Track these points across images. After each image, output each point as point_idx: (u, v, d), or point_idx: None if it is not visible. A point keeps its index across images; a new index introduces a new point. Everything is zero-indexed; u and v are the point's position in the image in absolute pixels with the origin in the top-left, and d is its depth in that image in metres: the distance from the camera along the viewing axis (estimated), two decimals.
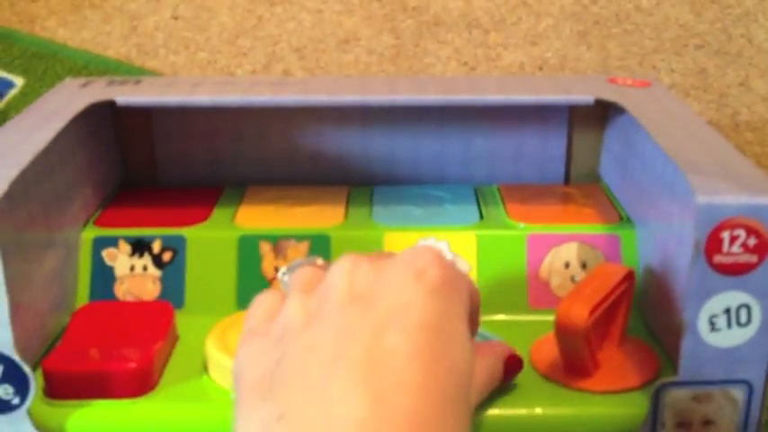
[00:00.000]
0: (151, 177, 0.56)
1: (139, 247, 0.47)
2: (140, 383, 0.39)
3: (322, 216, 0.50)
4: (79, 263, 0.47)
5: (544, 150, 0.56)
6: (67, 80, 0.54)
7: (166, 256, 0.47)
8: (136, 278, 0.47)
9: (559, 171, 0.56)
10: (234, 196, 0.53)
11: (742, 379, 0.38)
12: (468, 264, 0.47)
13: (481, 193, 0.54)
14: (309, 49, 0.75)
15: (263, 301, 0.36)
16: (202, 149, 0.56)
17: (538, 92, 0.49)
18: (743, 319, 0.37)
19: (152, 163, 0.56)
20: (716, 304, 0.37)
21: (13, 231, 0.38)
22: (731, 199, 0.36)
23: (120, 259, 0.47)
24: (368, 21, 0.76)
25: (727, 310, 0.37)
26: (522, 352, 0.43)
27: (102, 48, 0.74)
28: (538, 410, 0.39)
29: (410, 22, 0.76)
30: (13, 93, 0.70)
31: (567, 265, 0.47)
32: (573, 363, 0.41)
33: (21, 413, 0.38)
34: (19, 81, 0.71)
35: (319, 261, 0.39)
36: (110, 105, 0.49)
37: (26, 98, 0.69)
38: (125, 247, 0.47)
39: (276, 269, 0.47)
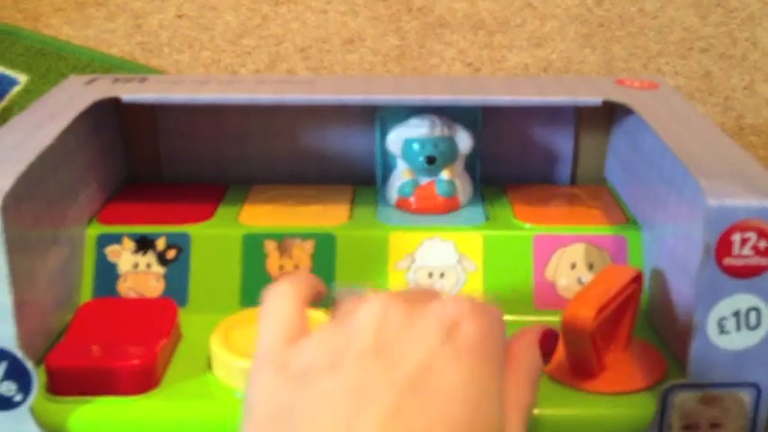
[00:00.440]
0: (155, 175, 0.56)
1: (143, 244, 0.47)
2: (143, 381, 0.39)
3: (327, 215, 0.50)
4: (83, 260, 0.47)
5: (551, 151, 0.55)
6: (72, 77, 0.54)
7: (170, 254, 0.47)
8: (139, 275, 0.47)
9: (566, 172, 0.56)
10: (238, 194, 0.53)
11: (750, 382, 0.38)
12: (474, 264, 0.47)
13: (487, 194, 0.53)
14: (314, 50, 0.75)
15: (282, 318, 0.33)
16: (207, 148, 0.55)
17: (545, 92, 0.49)
18: (752, 321, 0.37)
19: (156, 160, 0.56)
20: (725, 307, 0.37)
21: (17, 228, 0.38)
22: (742, 201, 0.35)
23: (124, 256, 0.47)
24: (373, 21, 0.75)
25: (737, 313, 0.37)
26: None
27: (107, 46, 0.74)
28: (544, 411, 0.39)
29: (415, 23, 0.76)
30: (16, 90, 0.70)
31: (573, 266, 0.47)
32: (579, 364, 0.40)
33: (23, 410, 0.37)
34: (22, 78, 0.70)
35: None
36: (114, 103, 0.48)
37: (29, 95, 0.69)
38: (129, 245, 0.47)
39: (281, 268, 0.47)
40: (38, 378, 0.37)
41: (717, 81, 0.75)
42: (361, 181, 0.55)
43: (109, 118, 0.53)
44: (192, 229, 0.48)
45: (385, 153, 0.53)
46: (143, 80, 0.52)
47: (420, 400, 0.27)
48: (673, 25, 0.77)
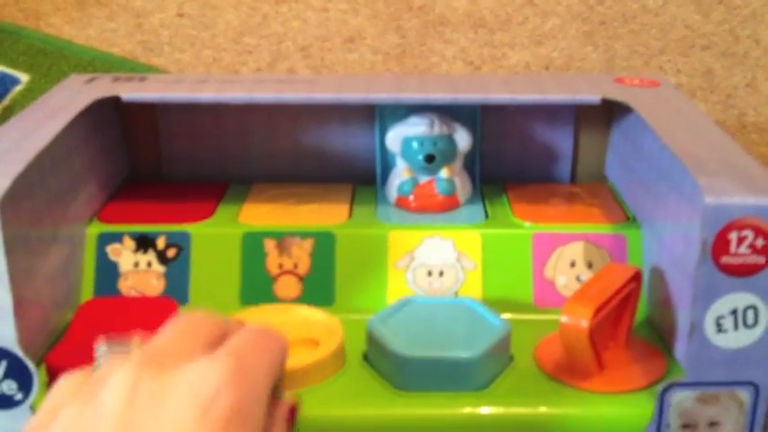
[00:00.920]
0: (156, 174, 0.56)
1: (144, 242, 0.47)
2: None
3: (326, 214, 0.50)
4: (84, 258, 0.47)
5: (550, 149, 0.55)
6: (72, 76, 0.54)
7: (171, 253, 0.47)
8: (140, 274, 0.47)
9: (566, 170, 0.56)
10: (238, 193, 0.53)
11: (748, 380, 0.38)
12: (473, 262, 0.47)
13: (487, 192, 0.53)
14: (315, 48, 0.75)
15: (51, 394, 0.30)
16: (207, 146, 0.56)
17: (544, 91, 0.49)
18: (750, 320, 0.37)
19: (156, 159, 0.56)
20: (723, 305, 0.37)
21: (17, 226, 0.38)
22: (739, 200, 0.35)
23: (125, 255, 0.47)
24: (373, 20, 0.76)
25: (734, 312, 0.37)
26: (526, 351, 0.43)
27: (108, 45, 0.74)
28: (542, 410, 0.39)
29: (415, 22, 0.76)
30: (18, 89, 0.70)
31: (572, 265, 0.47)
32: (578, 363, 0.40)
33: (24, 409, 0.38)
34: (24, 77, 0.71)
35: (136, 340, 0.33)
36: (115, 102, 0.49)
37: (31, 94, 0.69)
38: (129, 243, 0.47)
39: (281, 266, 0.47)
40: (38, 377, 0.37)
41: (719, 79, 0.75)
42: (361, 179, 0.55)
43: (109, 117, 0.53)
44: (192, 228, 0.48)
45: (385, 151, 0.53)
46: (143, 79, 0.52)
47: None
48: (674, 23, 0.77)
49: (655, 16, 0.77)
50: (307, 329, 0.43)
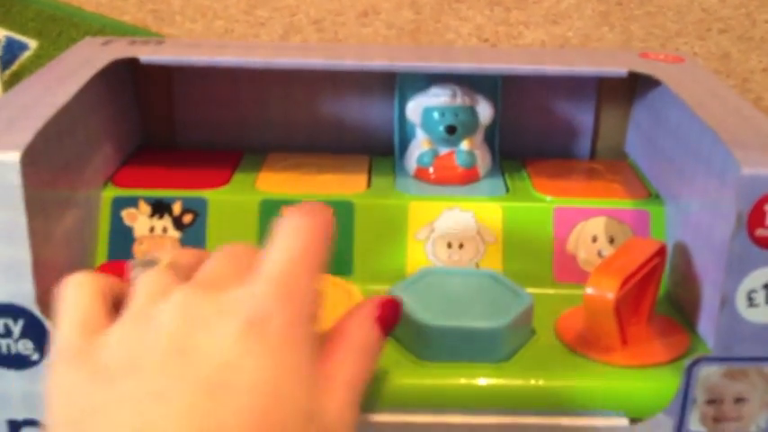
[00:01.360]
0: (170, 139, 0.55)
1: (159, 208, 0.46)
2: None
3: (345, 184, 0.49)
4: (98, 222, 0.46)
5: (571, 124, 0.55)
6: (87, 39, 0.53)
7: (187, 219, 0.46)
8: (155, 239, 0.46)
9: (586, 146, 0.55)
10: (254, 161, 0.52)
11: None
12: (493, 235, 0.46)
13: (506, 166, 0.53)
14: (328, 22, 0.74)
15: (81, 309, 0.31)
16: (223, 113, 0.55)
17: (568, 63, 0.48)
18: None
19: (171, 125, 0.55)
20: (755, 279, 0.36)
21: (35, 186, 0.37)
22: None
23: (140, 220, 0.46)
24: None
25: (767, 286, 0.36)
26: (548, 325, 0.42)
27: (119, 12, 0.73)
28: (566, 382, 0.38)
29: None
30: (26, 55, 0.69)
31: (594, 240, 0.47)
32: (601, 336, 0.40)
33: (39, 369, 0.37)
34: (33, 43, 0.69)
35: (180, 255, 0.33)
36: (131, 65, 0.48)
37: (40, 60, 0.68)
38: (145, 208, 0.46)
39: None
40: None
41: (735, 63, 0.74)
42: (379, 151, 0.54)
43: (125, 80, 0.52)
44: (208, 194, 0.47)
45: (404, 122, 0.52)
46: (159, 43, 0.51)
47: (217, 400, 0.26)
48: (692, 5, 0.76)
49: None
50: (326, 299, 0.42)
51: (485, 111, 0.50)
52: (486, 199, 0.48)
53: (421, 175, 0.51)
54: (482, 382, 0.38)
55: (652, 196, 0.48)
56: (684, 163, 0.44)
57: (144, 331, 0.28)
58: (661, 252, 0.42)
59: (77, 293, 0.31)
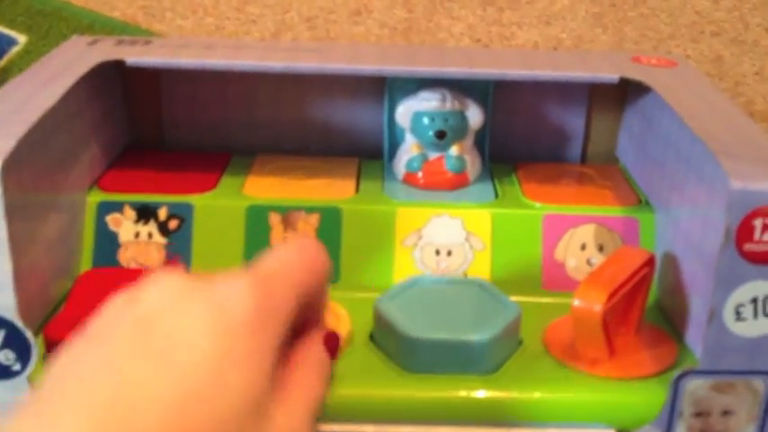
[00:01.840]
0: (157, 141, 0.55)
1: (145, 213, 0.46)
2: None
3: (332, 188, 0.49)
4: (83, 227, 0.45)
5: (562, 129, 0.54)
6: (75, 38, 0.52)
7: (172, 224, 0.46)
8: (141, 245, 0.46)
9: (576, 150, 0.55)
10: (242, 164, 0.52)
11: (765, 370, 0.37)
12: (482, 242, 0.46)
13: (496, 171, 0.52)
14: (320, 20, 0.73)
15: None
16: (211, 115, 0.54)
17: (560, 68, 0.48)
18: None
19: (158, 126, 0.54)
20: (743, 293, 0.36)
21: (17, 192, 0.36)
22: (766, 186, 0.34)
23: (125, 225, 0.46)
24: None
25: (754, 300, 0.36)
26: (535, 335, 0.42)
27: (108, 8, 0.72)
28: (552, 395, 0.38)
29: None
30: (15, 50, 0.68)
31: (583, 247, 0.46)
32: (589, 348, 0.40)
33: (21, 379, 0.36)
34: (22, 38, 0.69)
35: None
36: (118, 65, 0.47)
37: (29, 56, 0.67)
38: (130, 213, 0.46)
39: (285, 241, 0.46)
40: (37, 347, 0.36)
41: (728, 66, 0.74)
42: (367, 154, 0.54)
43: (112, 81, 0.52)
44: (195, 200, 0.46)
45: (393, 126, 0.52)
46: (147, 43, 0.50)
47: (159, 371, 0.26)
48: (684, 8, 0.76)
49: (665, 1, 0.76)
50: None
51: (475, 115, 0.50)
52: (474, 206, 0.47)
53: (410, 179, 0.50)
54: (469, 394, 0.38)
55: (642, 203, 0.48)
56: (675, 170, 0.44)
57: (126, 309, 0.29)
58: (650, 262, 0.42)
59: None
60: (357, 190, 0.49)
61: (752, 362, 0.37)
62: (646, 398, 0.38)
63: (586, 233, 0.46)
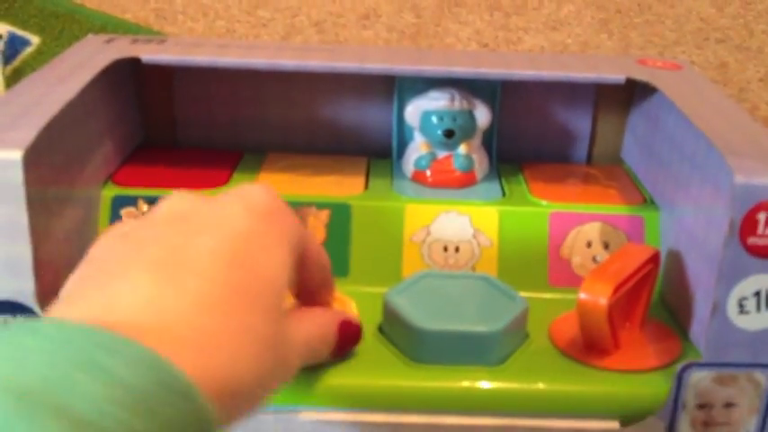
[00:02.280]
0: (170, 139, 0.56)
1: None
2: None
3: (342, 185, 0.50)
4: (98, 221, 0.46)
5: (568, 129, 0.55)
6: (90, 36, 0.53)
7: None
8: None
9: (582, 151, 0.56)
10: (253, 162, 0.53)
11: (767, 363, 0.38)
12: (489, 239, 0.47)
13: (503, 170, 0.53)
14: (329, 23, 0.74)
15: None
16: (223, 113, 0.55)
17: (566, 69, 0.49)
18: None
19: (171, 124, 0.55)
20: (747, 287, 0.36)
21: (36, 184, 0.37)
22: None
23: None
24: None
25: (758, 293, 0.37)
26: (541, 329, 0.43)
27: (121, 10, 0.73)
28: (559, 387, 0.39)
29: (431, 1, 0.75)
30: (28, 51, 0.69)
31: (588, 245, 0.47)
32: (594, 341, 0.40)
33: None
34: (35, 39, 0.70)
35: None
36: (132, 63, 0.48)
37: (42, 57, 0.68)
38: (144, 208, 0.47)
39: None
40: None
41: (732, 72, 0.75)
42: (377, 153, 0.55)
43: (126, 79, 0.53)
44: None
45: (402, 125, 0.53)
46: (162, 42, 0.51)
47: (205, 238, 0.30)
48: (690, 15, 0.76)
49: (670, 7, 0.77)
50: None
51: (483, 115, 0.50)
52: (482, 203, 0.48)
53: (418, 177, 0.51)
54: (476, 385, 0.39)
55: (647, 202, 0.49)
56: (679, 170, 0.44)
57: (139, 223, 0.32)
58: (655, 258, 0.42)
59: None
60: (366, 187, 0.50)
61: (754, 355, 0.38)
62: (649, 390, 0.39)
63: (592, 231, 0.47)
